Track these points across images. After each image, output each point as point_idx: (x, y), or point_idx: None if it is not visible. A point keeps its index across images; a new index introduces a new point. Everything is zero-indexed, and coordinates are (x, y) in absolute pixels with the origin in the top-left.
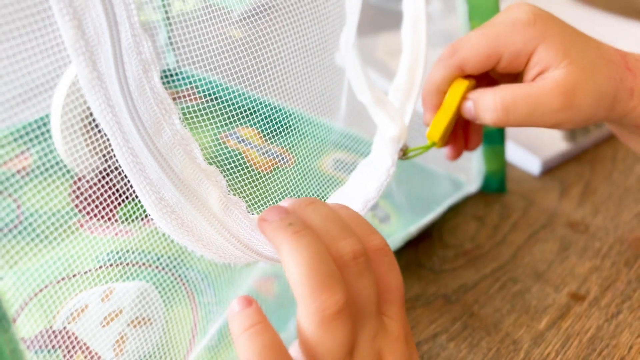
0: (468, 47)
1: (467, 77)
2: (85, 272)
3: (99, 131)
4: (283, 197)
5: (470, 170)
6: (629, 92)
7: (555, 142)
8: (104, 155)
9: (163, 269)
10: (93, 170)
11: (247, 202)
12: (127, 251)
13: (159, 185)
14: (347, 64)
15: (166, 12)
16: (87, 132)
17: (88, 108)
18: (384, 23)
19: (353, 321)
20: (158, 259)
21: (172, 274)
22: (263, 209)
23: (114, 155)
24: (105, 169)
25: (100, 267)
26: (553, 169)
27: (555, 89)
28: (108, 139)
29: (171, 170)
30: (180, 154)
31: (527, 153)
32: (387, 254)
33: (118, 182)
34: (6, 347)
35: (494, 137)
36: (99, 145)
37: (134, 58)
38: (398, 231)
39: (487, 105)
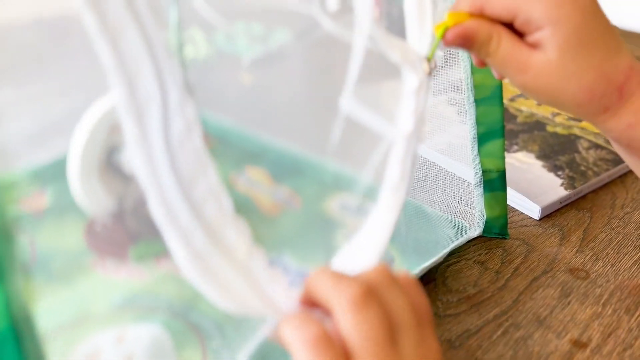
0: None
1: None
2: (98, 315)
3: (115, 174)
4: (290, 241)
5: (473, 216)
6: (602, 108)
7: (554, 189)
8: (118, 197)
9: (175, 314)
10: (107, 210)
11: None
12: (140, 294)
13: (189, 233)
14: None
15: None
16: (103, 174)
17: (106, 151)
18: (391, 70)
19: (389, 319)
20: (170, 303)
21: (184, 320)
22: (270, 251)
23: (128, 197)
24: (118, 210)
25: (113, 309)
26: (553, 214)
27: (516, 62)
28: (124, 182)
29: (203, 220)
30: (213, 205)
31: (526, 201)
32: (412, 279)
33: (131, 222)
34: None
35: (496, 185)
36: (114, 187)
37: (178, 117)
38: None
39: (484, 32)
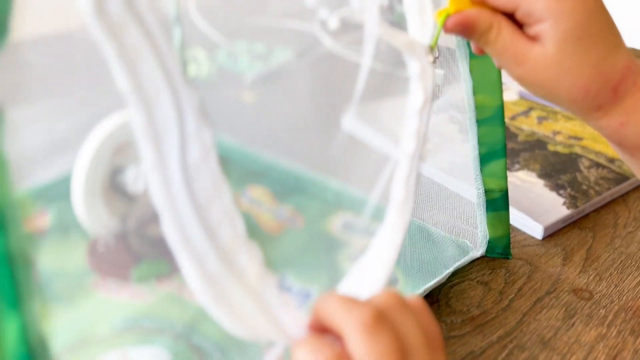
0: None
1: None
2: (100, 337)
3: (119, 194)
4: (292, 260)
5: (476, 236)
6: (596, 106)
7: (556, 209)
8: (121, 217)
9: (177, 337)
10: (110, 231)
11: None
12: (142, 316)
13: (203, 257)
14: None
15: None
16: (107, 194)
17: (110, 171)
18: (390, 89)
19: (401, 343)
20: (172, 325)
21: (186, 343)
22: (273, 271)
23: (131, 218)
24: (121, 230)
25: (115, 332)
26: (555, 234)
27: (514, 54)
28: (127, 202)
29: (217, 244)
30: (227, 228)
31: (529, 220)
32: (422, 303)
33: (133, 243)
34: None
35: (498, 204)
36: (118, 207)
37: (195, 142)
38: (406, 294)
39: (485, 21)
